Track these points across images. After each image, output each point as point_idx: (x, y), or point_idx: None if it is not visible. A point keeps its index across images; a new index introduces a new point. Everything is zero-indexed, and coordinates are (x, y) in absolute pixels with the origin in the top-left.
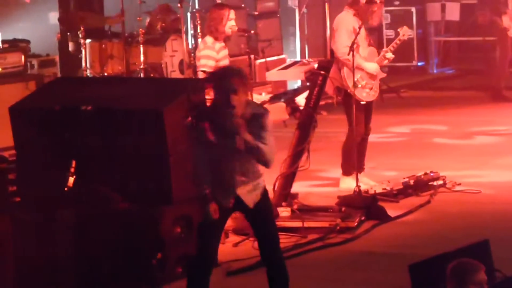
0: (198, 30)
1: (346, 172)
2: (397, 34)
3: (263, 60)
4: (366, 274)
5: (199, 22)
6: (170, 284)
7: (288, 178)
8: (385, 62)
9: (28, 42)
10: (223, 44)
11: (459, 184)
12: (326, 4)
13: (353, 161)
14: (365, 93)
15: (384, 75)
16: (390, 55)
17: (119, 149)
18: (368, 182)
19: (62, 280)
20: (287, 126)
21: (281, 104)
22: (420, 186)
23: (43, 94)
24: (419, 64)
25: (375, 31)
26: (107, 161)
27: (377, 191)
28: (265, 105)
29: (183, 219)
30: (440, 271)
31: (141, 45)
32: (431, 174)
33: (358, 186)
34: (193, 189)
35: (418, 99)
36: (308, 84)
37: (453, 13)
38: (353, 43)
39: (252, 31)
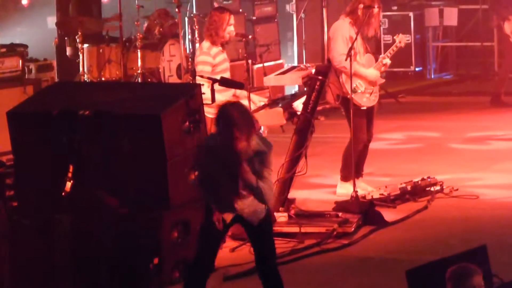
0: (196, 35)
1: (345, 177)
2: (394, 40)
3: (261, 65)
4: (363, 280)
5: (196, 27)
6: None
7: (286, 183)
8: (382, 68)
9: (25, 46)
10: (220, 48)
11: (457, 190)
12: (324, 9)
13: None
14: (365, 98)
15: (383, 80)
16: (387, 61)
17: (116, 154)
18: (366, 187)
19: (59, 285)
20: (284, 131)
21: (279, 109)
22: (417, 191)
23: (41, 98)
24: (417, 69)
25: (372, 37)
26: (105, 165)
27: (374, 197)
28: (263, 110)
29: (181, 223)
30: (438, 276)
31: (139, 50)
32: (429, 179)
33: (355, 192)
34: (190, 193)
35: (416, 105)
36: (305, 89)
37: (451, 18)
38: (350, 50)
39: (250, 36)
